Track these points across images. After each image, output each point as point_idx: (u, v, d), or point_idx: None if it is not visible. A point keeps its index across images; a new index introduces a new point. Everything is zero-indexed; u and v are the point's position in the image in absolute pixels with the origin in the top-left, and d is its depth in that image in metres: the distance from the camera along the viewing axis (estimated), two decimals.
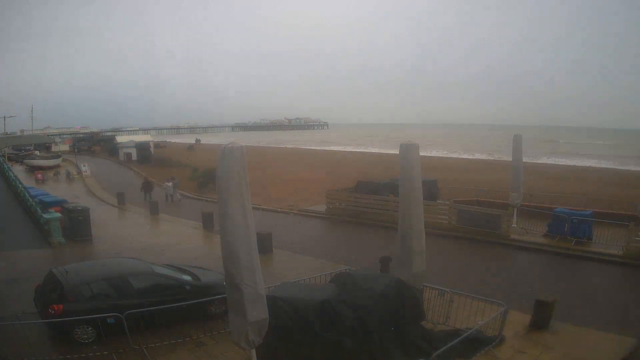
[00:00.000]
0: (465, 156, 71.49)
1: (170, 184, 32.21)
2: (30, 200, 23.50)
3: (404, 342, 9.03)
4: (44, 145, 70.57)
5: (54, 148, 71.65)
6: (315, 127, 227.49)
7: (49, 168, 48.29)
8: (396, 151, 10.71)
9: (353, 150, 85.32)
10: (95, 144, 76.85)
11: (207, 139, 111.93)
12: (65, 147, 72.60)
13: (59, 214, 19.42)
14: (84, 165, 46.23)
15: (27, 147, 65.12)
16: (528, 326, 10.43)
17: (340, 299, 8.82)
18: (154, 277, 10.86)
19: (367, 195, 23.84)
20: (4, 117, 67.84)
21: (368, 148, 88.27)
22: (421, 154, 10.46)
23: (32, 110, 79.63)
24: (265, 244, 16.01)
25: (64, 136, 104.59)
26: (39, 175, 41.86)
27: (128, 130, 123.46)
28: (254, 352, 7.16)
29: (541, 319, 10.37)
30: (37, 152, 61.26)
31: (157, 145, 74.99)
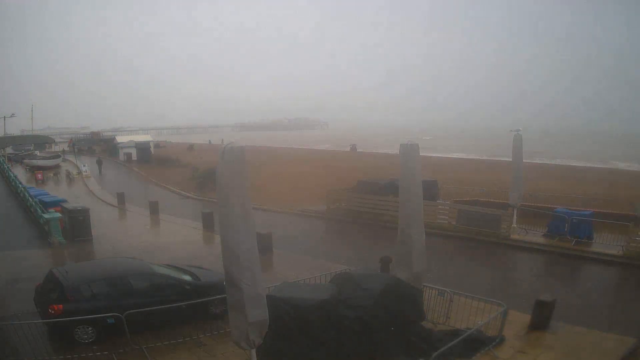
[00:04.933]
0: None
1: None
2: (30, 200, 23.50)
3: (404, 342, 9.04)
4: (43, 145, 70.46)
5: (54, 148, 71.59)
6: (315, 127, 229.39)
7: (49, 168, 48.22)
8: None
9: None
10: (96, 144, 76.74)
11: (207, 139, 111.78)
12: (65, 147, 72.53)
13: (59, 214, 19.41)
14: (84, 165, 46.22)
15: (27, 147, 65.06)
16: (528, 326, 10.42)
17: (340, 299, 8.83)
18: (154, 277, 10.86)
19: (367, 195, 23.84)
20: (4, 117, 67.68)
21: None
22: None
23: (32, 110, 79.56)
24: (265, 244, 16.00)
25: (64, 136, 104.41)
26: (39, 175, 41.84)
27: (128, 130, 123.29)
28: (254, 352, 7.16)
29: (541, 319, 10.36)
30: (37, 152, 61.18)
31: (157, 145, 74.88)
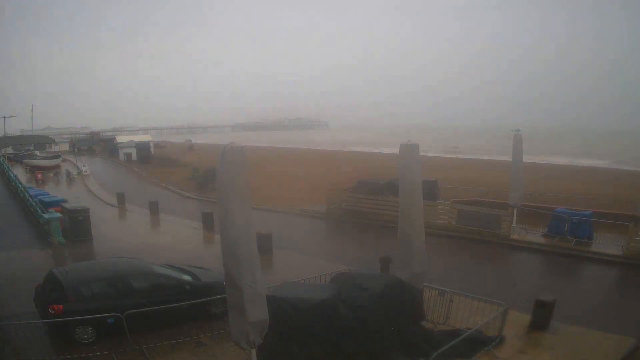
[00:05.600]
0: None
1: None
2: (30, 200, 23.48)
3: (404, 342, 9.04)
4: (43, 145, 70.42)
5: (54, 148, 71.58)
6: (315, 127, 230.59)
7: (49, 168, 48.24)
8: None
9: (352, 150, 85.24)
10: (96, 144, 76.79)
11: (206, 139, 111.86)
12: (65, 147, 72.55)
13: (59, 214, 19.39)
14: (84, 165, 46.26)
15: (27, 147, 65.03)
16: (528, 326, 10.43)
17: (340, 299, 8.82)
18: (154, 277, 10.87)
19: (367, 195, 23.84)
20: (4, 117, 67.61)
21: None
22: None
23: (32, 110, 79.44)
24: (265, 244, 15.99)
25: (64, 136, 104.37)
26: (39, 175, 41.86)
27: (128, 130, 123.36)
28: (254, 352, 7.16)
29: (541, 319, 10.37)
30: (37, 152, 61.20)
31: (157, 145, 74.94)
